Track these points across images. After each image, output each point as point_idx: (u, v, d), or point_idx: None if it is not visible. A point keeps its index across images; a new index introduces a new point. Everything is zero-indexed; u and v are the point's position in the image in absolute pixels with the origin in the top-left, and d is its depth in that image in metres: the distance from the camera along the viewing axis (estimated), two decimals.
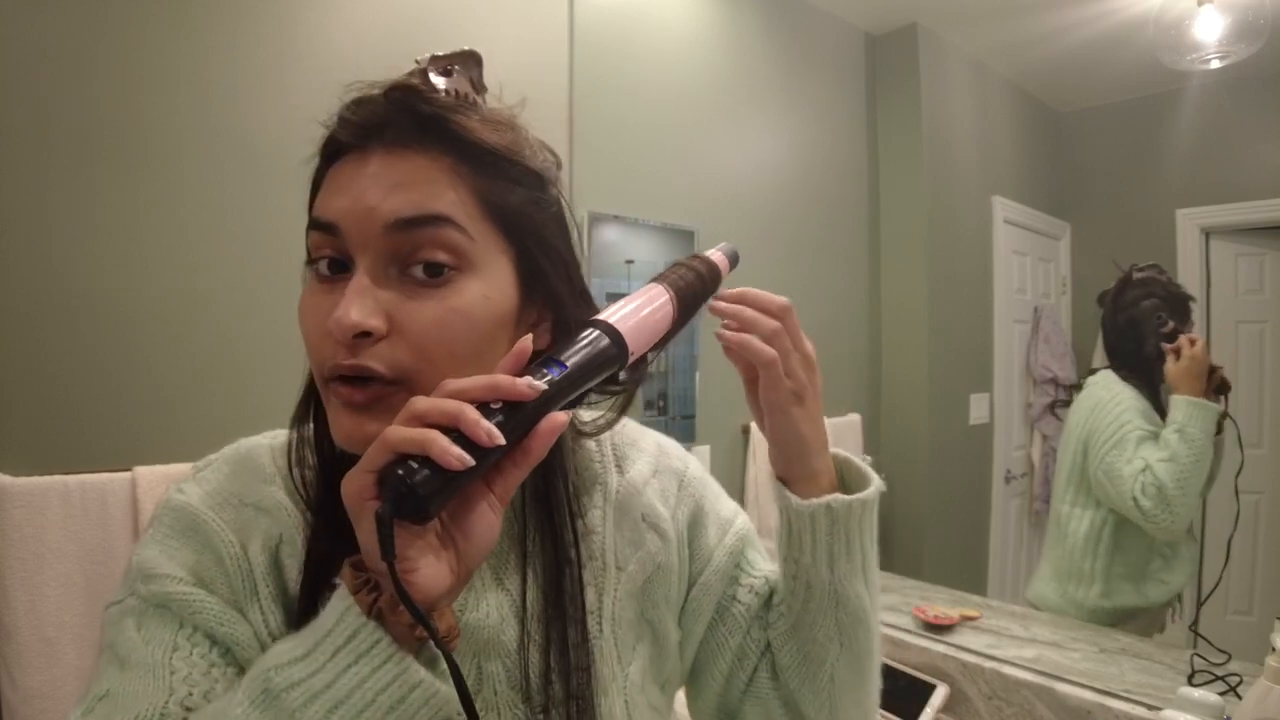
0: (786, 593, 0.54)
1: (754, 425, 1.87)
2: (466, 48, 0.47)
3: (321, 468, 0.48)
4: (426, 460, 0.34)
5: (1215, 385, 1.18)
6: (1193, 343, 1.19)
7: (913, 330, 1.80)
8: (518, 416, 0.37)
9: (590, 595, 0.50)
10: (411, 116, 0.43)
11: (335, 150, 0.45)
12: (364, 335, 0.40)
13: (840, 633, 0.52)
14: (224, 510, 0.47)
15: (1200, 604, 1.19)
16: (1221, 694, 0.93)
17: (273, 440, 0.53)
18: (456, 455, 0.34)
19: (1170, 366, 1.20)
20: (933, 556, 1.71)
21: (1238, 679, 0.96)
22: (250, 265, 1.32)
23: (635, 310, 0.46)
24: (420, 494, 0.34)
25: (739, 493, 1.84)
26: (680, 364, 1.80)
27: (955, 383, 1.69)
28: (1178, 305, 1.24)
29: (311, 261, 0.45)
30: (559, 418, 0.38)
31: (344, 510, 0.41)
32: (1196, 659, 1.03)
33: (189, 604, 0.43)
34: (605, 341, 0.42)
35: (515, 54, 1.66)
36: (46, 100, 1.14)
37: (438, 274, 0.42)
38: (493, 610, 0.47)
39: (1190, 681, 0.98)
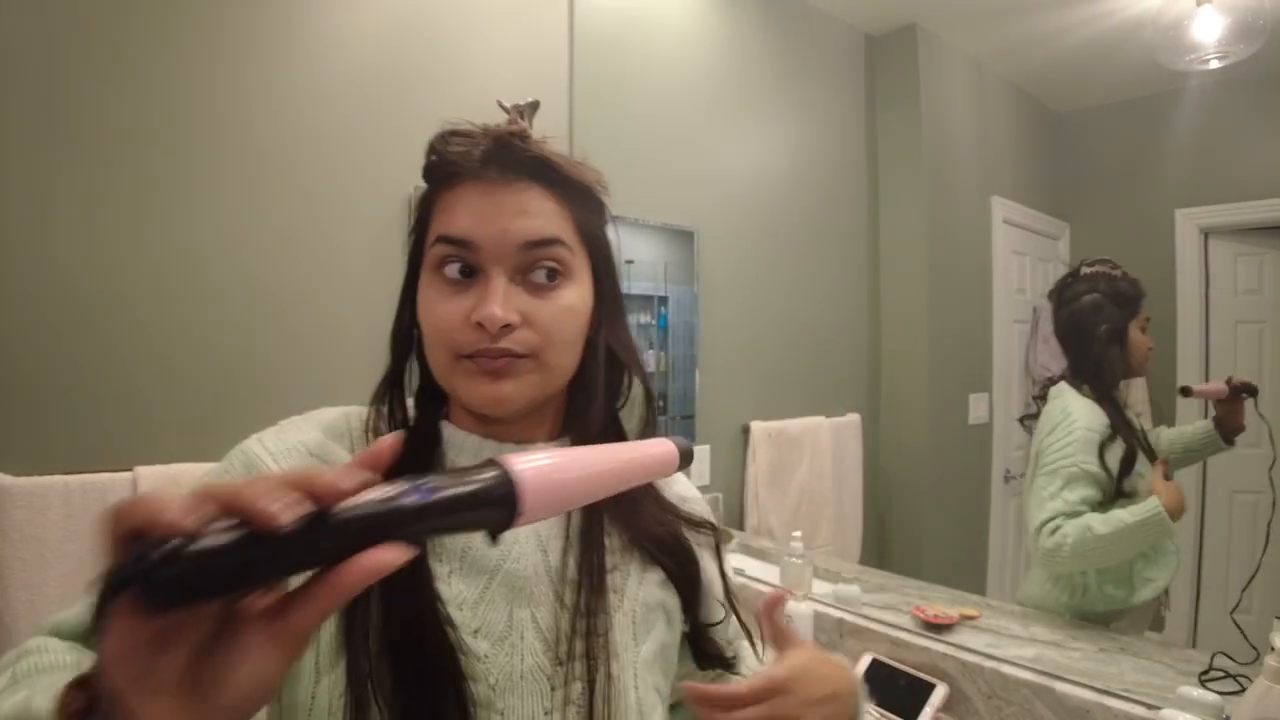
0: None
1: (754, 425, 1.86)
2: (533, 99, 0.64)
3: (403, 423, 0.57)
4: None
5: (1238, 389, 1.16)
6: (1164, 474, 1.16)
7: (912, 330, 1.80)
8: (330, 533, 0.28)
9: (616, 578, 0.57)
10: (524, 156, 0.54)
11: (449, 175, 0.55)
12: (506, 327, 0.51)
13: None
14: (289, 458, 0.53)
15: (1199, 598, 1.19)
16: (1233, 693, 0.93)
17: (347, 410, 0.60)
18: (196, 520, 0.26)
19: (1158, 481, 1.16)
20: (932, 556, 1.71)
21: (1249, 680, 0.96)
22: (251, 266, 1.32)
23: (560, 469, 0.37)
24: (153, 572, 0.25)
25: (739, 493, 1.84)
26: (680, 364, 1.80)
27: (954, 383, 1.69)
28: (1123, 300, 1.22)
29: (438, 267, 0.54)
30: (387, 556, 0.29)
31: (419, 448, 0.54)
32: (1220, 657, 1.02)
33: None
34: (492, 496, 0.33)
35: (515, 55, 1.66)
36: (49, 101, 1.14)
37: (552, 279, 0.54)
38: (529, 566, 0.54)
39: (1201, 679, 0.98)
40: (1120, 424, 1.22)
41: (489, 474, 0.33)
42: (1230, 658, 1.03)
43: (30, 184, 1.13)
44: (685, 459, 0.48)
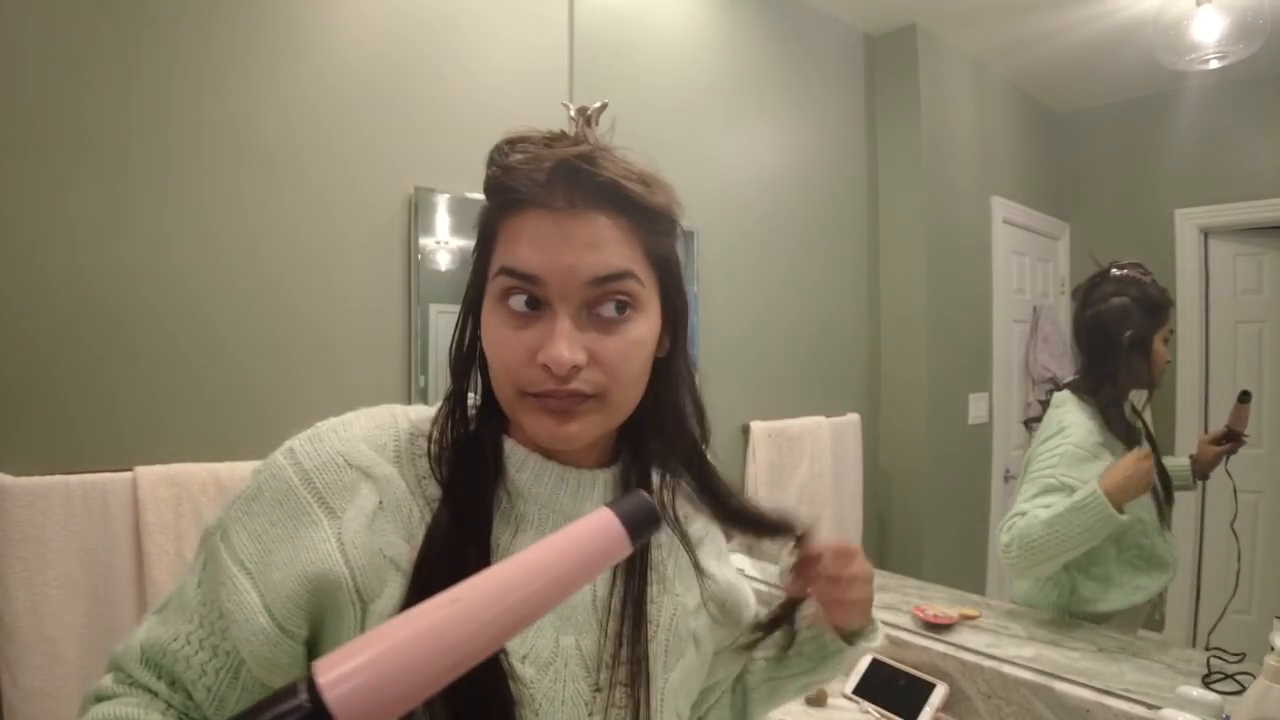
0: (783, 663, 0.71)
1: (754, 424, 1.86)
2: (603, 101, 0.59)
3: (457, 453, 0.55)
4: None
5: (1226, 440, 1.15)
6: (1145, 457, 1.13)
7: (912, 330, 1.80)
8: None
9: (652, 610, 0.59)
10: (593, 182, 0.50)
11: (514, 200, 0.51)
12: (574, 368, 0.50)
13: (798, 691, 0.73)
14: (325, 473, 0.51)
15: (1199, 598, 1.19)
16: (1234, 693, 0.93)
17: (395, 412, 0.57)
18: None
19: (1112, 468, 1.14)
20: (932, 556, 1.71)
21: (1251, 678, 0.96)
22: (250, 265, 1.32)
23: (396, 666, 0.30)
24: None
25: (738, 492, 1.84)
26: None
27: (954, 382, 1.69)
28: (1152, 308, 1.20)
29: (503, 298, 0.52)
30: None
31: (470, 491, 0.53)
32: (1213, 659, 1.02)
33: (225, 579, 0.50)
34: None
35: (515, 54, 1.66)
36: (46, 101, 1.14)
37: (621, 311, 0.52)
38: (579, 595, 0.55)
39: (1205, 681, 0.98)
40: (1123, 438, 1.20)
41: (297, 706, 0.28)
42: (1222, 657, 1.03)
43: (30, 183, 1.13)
44: (640, 527, 0.37)
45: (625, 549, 0.37)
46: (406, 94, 1.50)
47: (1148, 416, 1.25)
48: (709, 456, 0.64)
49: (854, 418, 1.88)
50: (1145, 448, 1.18)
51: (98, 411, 1.18)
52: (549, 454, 0.56)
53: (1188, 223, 1.28)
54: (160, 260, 1.24)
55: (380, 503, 0.51)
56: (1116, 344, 1.22)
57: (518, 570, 0.34)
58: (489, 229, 0.54)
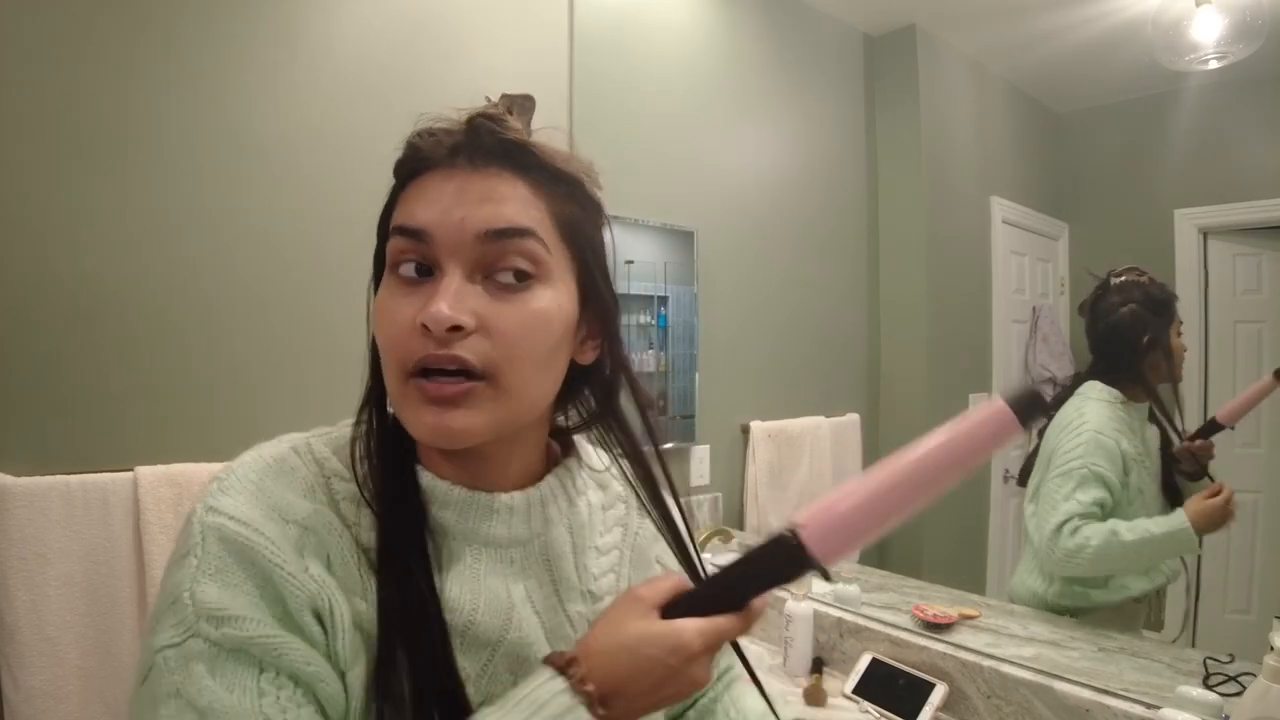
0: None
1: (754, 424, 1.86)
2: (527, 92, 0.53)
3: (385, 468, 0.49)
4: None
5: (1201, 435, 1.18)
6: (1232, 501, 1.12)
7: (912, 330, 1.80)
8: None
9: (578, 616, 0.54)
10: (497, 141, 0.47)
11: (416, 168, 0.48)
12: (456, 329, 0.43)
13: None
14: (268, 525, 0.43)
15: (1198, 598, 1.19)
16: (1233, 694, 0.93)
17: (295, 446, 0.50)
18: None
19: (1197, 503, 1.13)
20: (931, 556, 1.71)
21: (1252, 678, 0.96)
22: (251, 264, 1.32)
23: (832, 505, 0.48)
24: None
25: (739, 492, 1.84)
26: (680, 364, 1.80)
27: (954, 382, 1.69)
28: (1158, 307, 1.22)
29: (394, 266, 0.47)
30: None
31: (409, 509, 0.48)
32: (1210, 661, 1.03)
33: (273, 647, 0.41)
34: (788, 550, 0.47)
35: (515, 54, 1.66)
36: (47, 99, 1.14)
37: (521, 280, 0.46)
38: (531, 631, 0.51)
39: (1205, 683, 0.98)
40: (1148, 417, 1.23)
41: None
42: (1217, 659, 1.03)
43: (28, 184, 1.13)
44: (1028, 410, 0.45)
45: (1011, 430, 0.46)
46: (407, 94, 1.50)
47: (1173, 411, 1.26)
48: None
49: (854, 418, 1.88)
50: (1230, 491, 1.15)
51: (98, 411, 1.18)
52: (472, 483, 0.50)
53: (1187, 223, 1.28)
54: (161, 260, 1.24)
55: (329, 556, 0.46)
56: (1136, 348, 1.22)
57: (923, 458, 0.51)
58: (390, 203, 0.50)
